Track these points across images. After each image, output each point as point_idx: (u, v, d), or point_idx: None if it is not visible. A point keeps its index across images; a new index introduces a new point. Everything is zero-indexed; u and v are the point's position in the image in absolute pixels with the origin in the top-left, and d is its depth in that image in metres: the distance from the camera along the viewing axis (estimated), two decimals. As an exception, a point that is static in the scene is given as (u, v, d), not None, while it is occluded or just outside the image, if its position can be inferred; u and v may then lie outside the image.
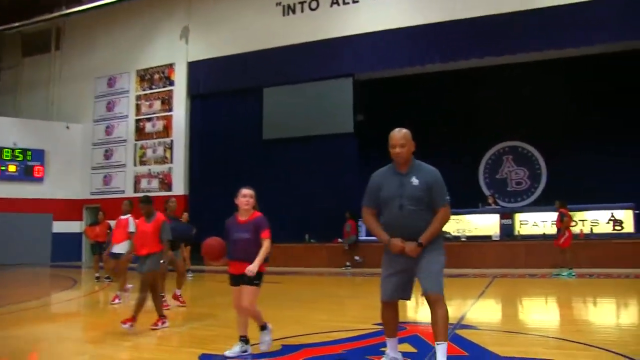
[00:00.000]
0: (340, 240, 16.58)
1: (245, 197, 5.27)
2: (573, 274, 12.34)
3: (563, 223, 12.69)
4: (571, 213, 14.77)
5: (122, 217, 10.26)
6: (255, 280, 5.11)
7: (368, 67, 17.11)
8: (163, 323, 6.69)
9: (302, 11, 17.93)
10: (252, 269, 5.01)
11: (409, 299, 4.53)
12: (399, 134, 4.37)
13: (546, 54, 15.88)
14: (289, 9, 18.09)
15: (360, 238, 16.58)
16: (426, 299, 4.28)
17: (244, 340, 5.21)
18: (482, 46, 15.77)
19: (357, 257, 15.95)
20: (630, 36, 14.55)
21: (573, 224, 13.78)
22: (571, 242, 12.76)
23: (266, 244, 5.19)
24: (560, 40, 15.08)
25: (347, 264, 16.01)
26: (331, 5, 17.56)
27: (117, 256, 9.98)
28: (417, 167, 4.41)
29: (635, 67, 16.20)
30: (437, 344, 4.16)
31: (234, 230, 5.23)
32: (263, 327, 5.37)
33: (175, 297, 8.82)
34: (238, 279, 5.16)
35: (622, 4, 14.48)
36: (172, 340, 6.27)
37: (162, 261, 7.06)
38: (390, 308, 4.47)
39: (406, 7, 16.72)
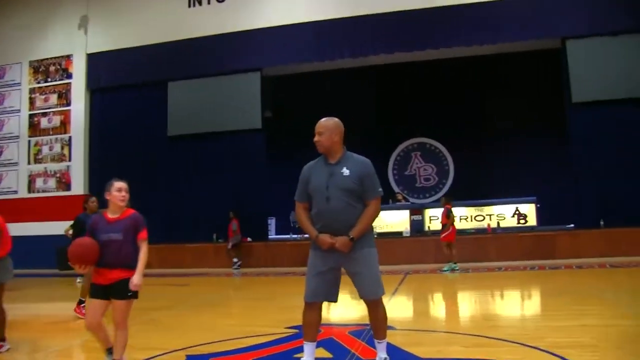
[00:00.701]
0: (249, 239, 16.15)
1: (121, 191, 4.39)
2: (456, 268, 12.49)
3: (449, 219, 12.78)
4: (479, 207, 15.11)
5: None
6: (129, 291, 4.25)
7: (276, 61, 16.69)
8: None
9: (208, 3, 17.25)
10: (136, 282, 4.22)
11: (335, 301, 4.22)
12: (320, 122, 4.18)
13: (454, 51, 16.10)
14: (195, 0, 17.37)
15: (270, 237, 16.21)
16: (365, 303, 4.17)
17: (110, 351, 4.36)
18: (391, 42, 15.78)
19: (235, 259, 15.58)
20: (533, 35, 15.00)
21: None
22: (454, 237, 12.87)
23: (145, 248, 4.37)
24: (467, 38, 15.37)
25: (236, 260, 15.58)
26: (239, -3, 17.04)
27: None
28: (348, 157, 4.17)
29: (540, 66, 16.79)
30: (378, 342, 4.21)
31: (102, 230, 4.29)
32: (110, 351, 4.40)
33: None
34: (106, 290, 4.24)
35: (525, 4, 14.89)
36: None
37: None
38: (313, 309, 4.16)
39: (315, 1, 16.47)
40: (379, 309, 4.14)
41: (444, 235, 12.78)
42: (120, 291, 4.22)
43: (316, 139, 4.15)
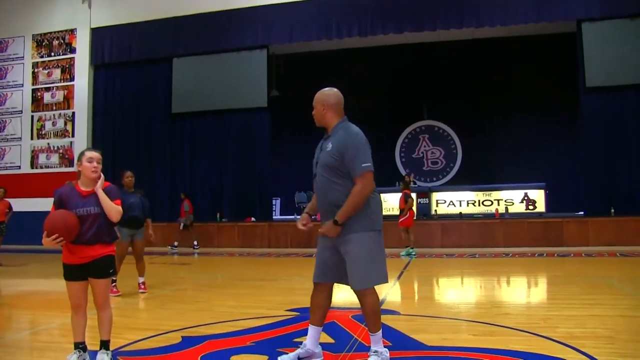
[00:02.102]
0: (253, 219, 15.99)
1: (92, 161, 3.91)
2: (413, 253, 12.38)
3: (407, 204, 12.59)
4: (487, 192, 14.87)
5: None
6: (110, 268, 3.94)
7: (283, 39, 16.34)
8: None
9: (215, -23, 16.91)
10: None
11: (347, 283, 3.87)
12: (315, 95, 3.91)
13: (464, 32, 15.79)
14: (202, -25, 17.02)
15: (275, 217, 16.00)
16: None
17: (82, 347, 3.91)
18: (400, 22, 15.46)
19: (175, 243, 15.51)
20: (546, 18, 14.60)
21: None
22: (413, 222, 12.73)
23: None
24: (478, 18, 15.03)
25: (175, 243, 15.51)
26: (246, -27, 16.66)
27: None
28: (338, 130, 3.83)
29: (548, 50, 16.45)
30: (371, 335, 3.81)
31: (77, 204, 3.85)
32: (79, 346, 3.92)
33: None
34: (85, 270, 3.86)
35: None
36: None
37: None
38: (319, 291, 3.93)
39: (324, -23, 16.10)
40: (365, 300, 3.74)
41: (401, 220, 12.60)
42: (102, 269, 3.89)
43: (313, 112, 3.93)
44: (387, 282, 3.84)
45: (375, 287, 3.78)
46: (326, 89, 3.96)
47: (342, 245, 3.74)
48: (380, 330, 3.79)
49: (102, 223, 3.88)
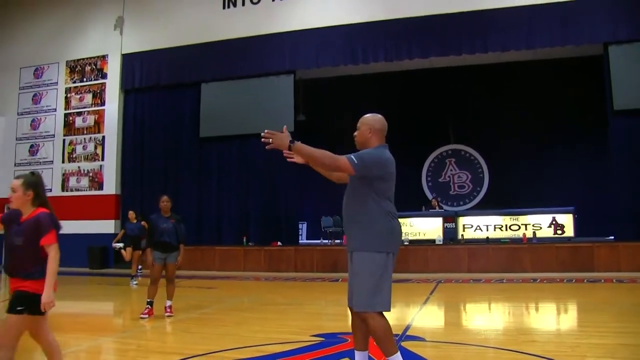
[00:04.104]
0: (279, 243, 16.03)
1: (12, 190, 3.62)
2: None
3: None
4: (514, 216, 14.74)
5: None
6: (19, 306, 3.49)
7: (310, 64, 16.48)
8: None
9: (243, 4, 17.17)
10: (45, 299, 3.47)
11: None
12: (362, 117, 3.97)
13: (490, 57, 15.75)
14: (230, 2, 17.31)
15: (301, 242, 16.02)
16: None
17: None
18: (426, 46, 15.48)
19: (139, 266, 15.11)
20: (572, 41, 14.54)
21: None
22: None
23: (52, 255, 3.57)
24: (503, 42, 14.99)
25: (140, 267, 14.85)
26: (273, 0, 16.91)
27: None
28: None
29: (575, 74, 16.34)
30: None
31: (13, 232, 3.62)
32: None
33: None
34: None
35: (565, 9, 14.42)
36: None
37: None
38: (354, 314, 3.85)
39: (350, 3, 16.26)
40: (367, 325, 3.63)
41: None
42: (10, 303, 3.53)
43: (354, 134, 3.96)
44: (388, 310, 3.68)
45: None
46: (373, 114, 4.01)
47: (350, 262, 3.77)
48: (397, 353, 3.65)
49: (23, 255, 3.58)
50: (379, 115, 3.99)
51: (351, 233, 3.81)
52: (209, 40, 17.22)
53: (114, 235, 15.51)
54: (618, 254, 13.21)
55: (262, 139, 3.65)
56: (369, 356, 4.02)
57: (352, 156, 3.62)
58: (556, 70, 16.56)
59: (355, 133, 3.95)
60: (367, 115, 3.98)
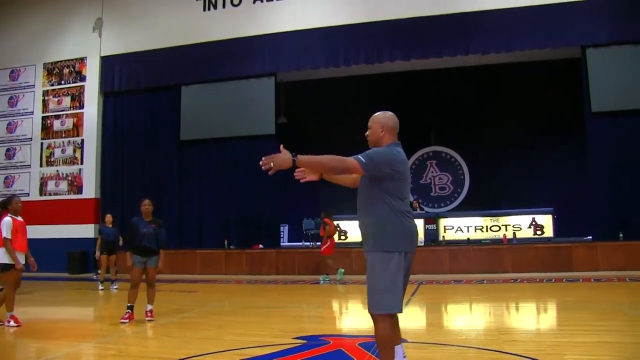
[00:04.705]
0: (261, 246, 15.99)
1: None
2: (327, 279, 13.05)
3: (326, 232, 13.17)
4: (495, 218, 14.86)
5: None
6: None
7: (291, 67, 16.44)
8: None
9: (223, 6, 17.10)
10: None
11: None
12: (373, 116, 3.94)
13: (471, 59, 15.86)
14: (210, 4, 17.23)
15: (282, 244, 16.01)
16: None
17: None
18: (407, 49, 15.54)
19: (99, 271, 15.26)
20: (551, 44, 14.70)
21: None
22: (333, 250, 13.34)
23: None
24: (483, 45, 15.10)
25: (99, 271, 15.23)
26: (254, 2, 16.84)
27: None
28: None
29: (554, 76, 16.50)
30: None
31: None
32: None
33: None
34: None
35: (544, 13, 14.57)
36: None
37: None
38: None
39: (330, 6, 16.25)
40: (375, 327, 3.67)
41: (322, 248, 13.22)
42: None
43: (366, 133, 3.93)
44: (399, 311, 3.69)
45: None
46: (383, 112, 3.98)
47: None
48: None
49: None
50: (390, 113, 3.96)
51: (364, 234, 3.80)
52: (189, 42, 17.11)
53: (94, 239, 15.30)
54: (596, 253, 13.38)
55: (263, 167, 3.56)
56: (351, 357, 3.99)
57: (360, 156, 3.58)
58: (536, 73, 16.70)
59: (367, 132, 3.92)
60: (378, 113, 3.95)
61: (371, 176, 3.66)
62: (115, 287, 12.40)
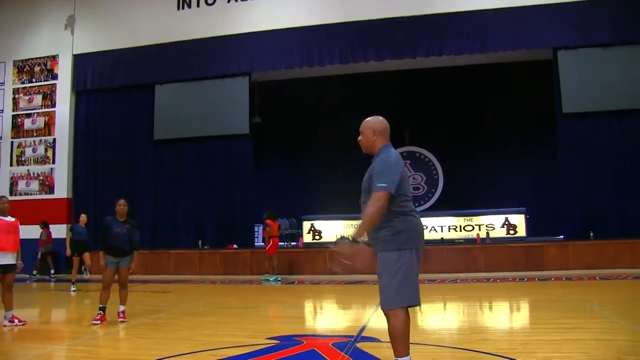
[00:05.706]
0: (235, 246, 15.94)
1: None
2: (279, 279, 13.51)
3: (266, 232, 13.80)
4: (468, 217, 14.98)
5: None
6: None
7: (265, 66, 16.40)
8: None
9: (197, 5, 17.00)
10: None
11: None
12: (364, 122, 4.07)
13: (444, 60, 15.99)
14: (184, 3, 17.11)
15: (257, 244, 15.97)
16: None
17: None
18: (381, 49, 15.62)
19: (34, 272, 16.28)
20: (523, 46, 14.91)
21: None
22: (276, 250, 13.94)
23: None
24: (457, 46, 15.24)
25: (34, 272, 16.25)
26: (228, 1, 16.77)
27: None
28: (377, 155, 3.97)
29: (526, 77, 16.72)
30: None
31: None
32: None
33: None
34: None
35: (516, 15, 14.76)
36: None
37: None
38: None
39: (305, 6, 16.27)
40: (388, 323, 3.84)
41: (266, 248, 13.84)
42: None
43: (359, 138, 4.06)
44: (417, 304, 3.88)
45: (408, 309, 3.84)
46: (374, 117, 4.11)
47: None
48: (408, 356, 3.82)
49: None
50: (380, 117, 4.09)
51: (372, 235, 3.85)
52: (163, 41, 16.98)
53: (64, 240, 15.10)
54: (567, 253, 13.61)
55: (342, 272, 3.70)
56: (324, 357, 4.03)
57: (378, 185, 3.67)
58: (508, 74, 16.92)
59: (360, 138, 4.06)
60: (368, 118, 4.10)
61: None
62: (73, 289, 12.20)
